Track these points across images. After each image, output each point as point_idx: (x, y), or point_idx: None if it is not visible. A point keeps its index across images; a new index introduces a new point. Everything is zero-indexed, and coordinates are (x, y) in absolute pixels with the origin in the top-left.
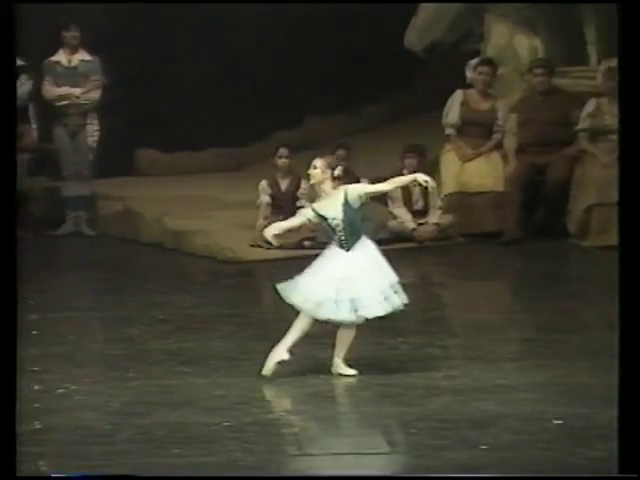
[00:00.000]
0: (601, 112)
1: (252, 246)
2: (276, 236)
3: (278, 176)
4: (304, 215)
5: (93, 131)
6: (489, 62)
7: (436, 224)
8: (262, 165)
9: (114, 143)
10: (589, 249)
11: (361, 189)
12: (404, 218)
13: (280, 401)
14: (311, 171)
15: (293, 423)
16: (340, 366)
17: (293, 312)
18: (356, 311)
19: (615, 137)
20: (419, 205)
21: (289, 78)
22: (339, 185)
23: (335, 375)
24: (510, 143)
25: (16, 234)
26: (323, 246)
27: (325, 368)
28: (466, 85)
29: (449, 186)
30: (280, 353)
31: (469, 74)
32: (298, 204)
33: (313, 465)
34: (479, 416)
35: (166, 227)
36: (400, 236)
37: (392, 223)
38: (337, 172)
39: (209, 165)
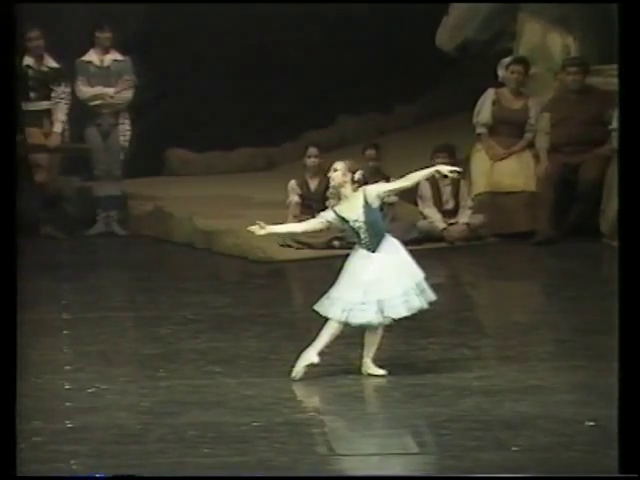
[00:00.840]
0: None
1: (282, 246)
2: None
3: (307, 176)
4: (323, 217)
5: (125, 131)
6: (522, 61)
7: (467, 224)
8: (293, 165)
9: (146, 143)
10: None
11: (379, 188)
12: (434, 218)
13: (310, 401)
14: (331, 174)
15: (323, 423)
16: (370, 366)
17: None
18: (382, 312)
19: None
20: (449, 205)
21: (322, 77)
22: (359, 188)
23: (365, 375)
24: (542, 142)
25: (16, 234)
26: (352, 246)
27: (355, 368)
28: (498, 84)
29: (480, 186)
30: (310, 356)
31: (501, 73)
32: (327, 204)
33: (344, 466)
34: (512, 417)
35: (197, 227)
36: (430, 236)
37: (422, 223)
38: (357, 176)
39: (240, 165)
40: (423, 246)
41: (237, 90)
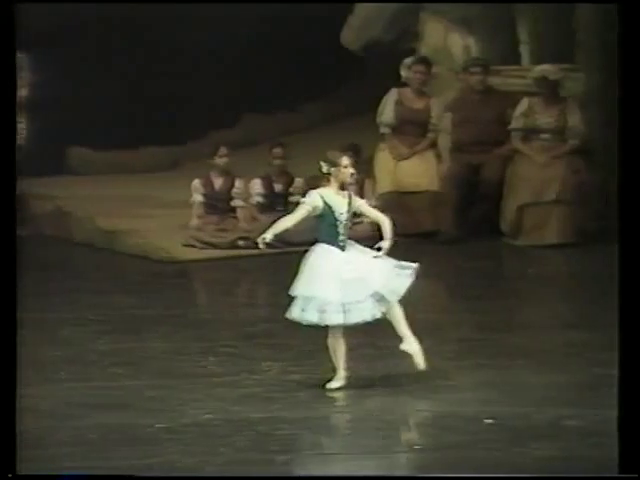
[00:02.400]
0: (533, 112)
1: (185, 246)
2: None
3: (213, 175)
4: (309, 204)
5: (20, 130)
6: (424, 61)
7: (371, 223)
8: (199, 164)
9: (45, 141)
10: (522, 248)
11: (360, 204)
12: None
13: (217, 402)
14: (346, 170)
15: (230, 424)
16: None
17: (228, 312)
18: (379, 304)
19: (547, 136)
20: None
21: (227, 76)
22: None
23: (268, 376)
24: (444, 142)
25: (16, 233)
26: (256, 246)
27: (259, 368)
28: (402, 84)
29: (384, 185)
30: (338, 380)
31: (404, 73)
32: (232, 204)
33: (250, 468)
34: (417, 416)
35: (99, 227)
36: None
37: None
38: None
39: (144, 164)
40: None
41: (141, 88)
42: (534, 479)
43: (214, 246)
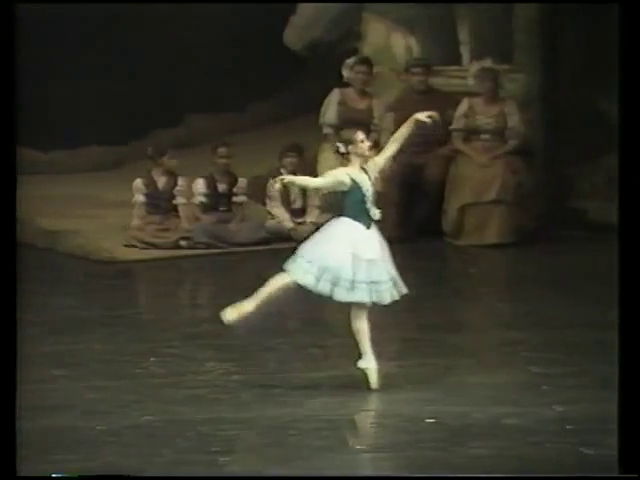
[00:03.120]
0: (474, 112)
1: (127, 246)
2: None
3: (155, 175)
4: (334, 177)
5: None
6: (366, 61)
7: (314, 223)
8: (141, 163)
9: None
10: (463, 247)
11: (382, 160)
12: (282, 218)
13: (159, 403)
14: (364, 144)
15: (172, 425)
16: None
17: (170, 313)
18: (371, 295)
19: (488, 137)
20: (297, 204)
21: (171, 76)
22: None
23: (218, 376)
24: (387, 142)
25: (16, 235)
26: (199, 246)
27: (205, 369)
28: (344, 84)
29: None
30: (248, 305)
31: (346, 73)
32: (175, 202)
33: (194, 468)
34: (359, 416)
35: (40, 227)
36: (279, 236)
37: (270, 223)
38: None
39: (86, 164)
40: (272, 246)
41: (83, 88)
42: (534, 479)
43: (156, 246)
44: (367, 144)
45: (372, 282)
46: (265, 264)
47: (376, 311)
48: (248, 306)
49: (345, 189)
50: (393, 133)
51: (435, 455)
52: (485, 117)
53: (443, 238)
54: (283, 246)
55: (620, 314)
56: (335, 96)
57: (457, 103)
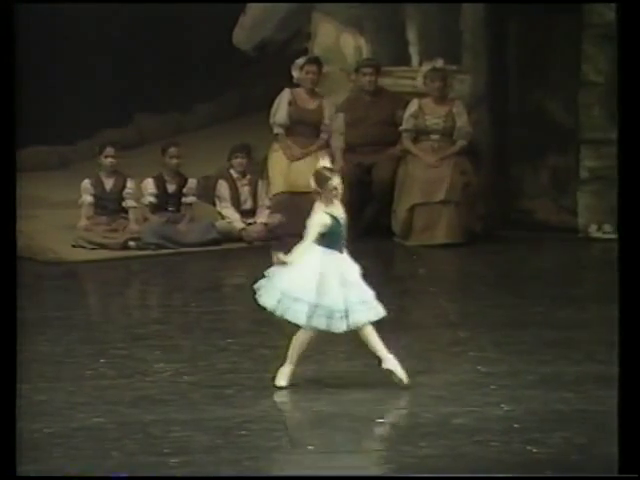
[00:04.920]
0: (423, 113)
1: (74, 247)
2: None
3: (103, 175)
4: (321, 226)
5: None
6: (315, 61)
7: (265, 224)
8: (89, 164)
9: None
10: (413, 248)
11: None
12: (232, 218)
13: (108, 405)
14: (335, 191)
15: (121, 427)
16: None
17: (119, 314)
18: (372, 310)
19: (436, 137)
20: (247, 205)
21: (118, 75)
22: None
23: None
24: (337, 143)
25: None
26: (150, 247)
27: (153, 370)
28: (295, 84)
29: (277, 186)
30: (284, 375)
31: (296, 73)
32: (124, 204)
33: (145, 470)
34: (309, 416)
35: None
36: (229, 236)
37: (220, 223)
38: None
39: (32, 164)
40: (222, 246)
41: (29, 86)
42: (535, 479)
43: (104, 247)
44: (337, 192)
45: (363, 302)
46: (215, 265)
47: None
48: (288, 369)
49: (325, 230)
50: (343, 134)
51: (385, 455)
52: (434, 118)
53: (392, 238)
54: (234, 246)
55: (620, 314)
56: (285, 96)
57: (406, 104)
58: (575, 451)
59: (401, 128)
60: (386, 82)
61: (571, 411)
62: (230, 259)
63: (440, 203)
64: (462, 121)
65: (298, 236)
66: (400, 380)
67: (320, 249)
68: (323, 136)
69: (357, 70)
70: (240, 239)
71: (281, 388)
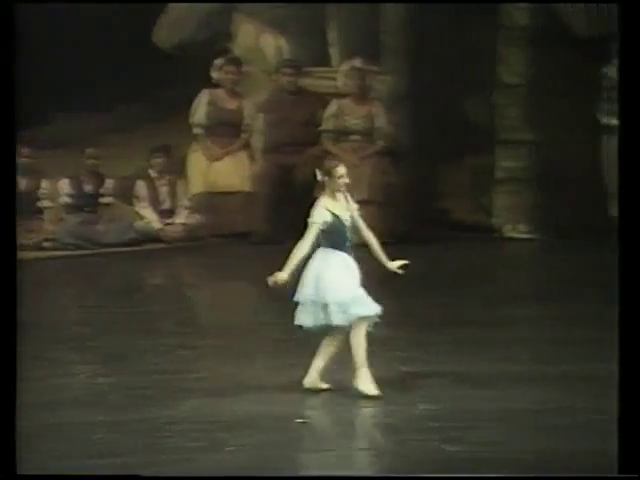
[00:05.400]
0: (343, 113)
1: None
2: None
3: (18, 175)
4: (320, 223)
5: None
6: (234, 61)
7: (184, 224)
8: None
9: None
10: None
11: (354, 210)
12: (150, 218)
13: (26, 407)
14: (342, 179)
15: (39, 429)
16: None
17: (35, 315)
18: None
19: (357, 137)
20: (166, 205)
21: (36, 75)
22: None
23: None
24: (257, 143)
25: (16, 235)
26: (65, 247)
27: (69, 372)
28: (214, 84)
29: (196, 186)
30: (315, 379)
31: (215, 74)
32: (39, 205)
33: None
34: (230, 417)
35: None
36: (147, 237)
37: (138, 224)
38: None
39: None
40: (141, 247)
41: None
42: (534, 479)
43: (19, 248)
44: (345, 180)
45: (363, 297)
46: (135, 265)
47: (245, 312)
48: (316, 371)
49: (326, 227)
50: (263, 134)
51: (304, 455)
52: (354, 118)
53: None
54: (153, 247)
55: (620, 313)
56: (204, 97)
57: (326, 104)
58: (490, 449)
59: (321, 128)
60: (307, 82)
61: (490, 410)
62: (150, 260)
63: (362, 203)
64: (381, 122)
65: (219, 236)
66: (364, 392)
67: (324, 251)
68: (244, 136)
69: (278, 70)
70: (159, 239)
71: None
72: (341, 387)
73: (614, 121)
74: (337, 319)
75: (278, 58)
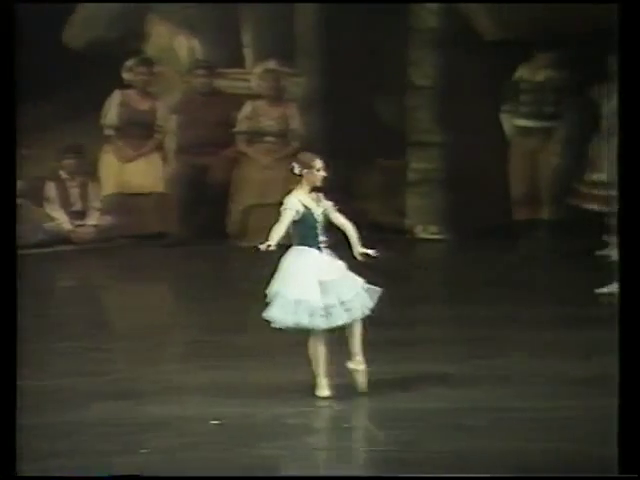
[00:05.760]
0: (257, 114)
1: None
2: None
3: None
4: (292, 209)
5: None
6: (146, 62)
7: (95, 226)
8: None
9: None
10: (248, 249)
11: (328, 207)
12: (61, 220)
13: None
14: (321, 172)
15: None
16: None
17: None
18: (348, 311)
19: (271, 139)
20: (77, 206)
21: None
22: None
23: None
24: (171, 144)
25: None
26: None
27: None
28: (126, 85)
29: (108, 187)
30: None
31: (126, 75)
32: None
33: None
34: (144, 419)
35: None
36: (58, 238)
37: (49, 225)
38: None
39: None
40: (52, 249)
41: None
42: (534, 479)
43: None
44: (322, 174)
45: (342, 303)
46: (45, 267)
47: (160, 313)
48: (322, 378)
49: (297, 218)
50: (177, 135)
51: (221, 456)
52: (268, 119)
53: (227, 240)
54: (64, 249)
55: (620, 313)
56: (116, 97)
57: (241, 105)
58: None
59: (235, 130)
60: (221, 84)
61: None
62: (60, 261)
63: (276, 204)
64: (295, 123)
65: (131, 237)
66: (360, 384)
67: (296, 249)
68: (156, 137)
69: (191, 72)
70: (70, 241)
71: (325, 398)
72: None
73: (525, 123)
74: (342, 319)
75: (191, 59)
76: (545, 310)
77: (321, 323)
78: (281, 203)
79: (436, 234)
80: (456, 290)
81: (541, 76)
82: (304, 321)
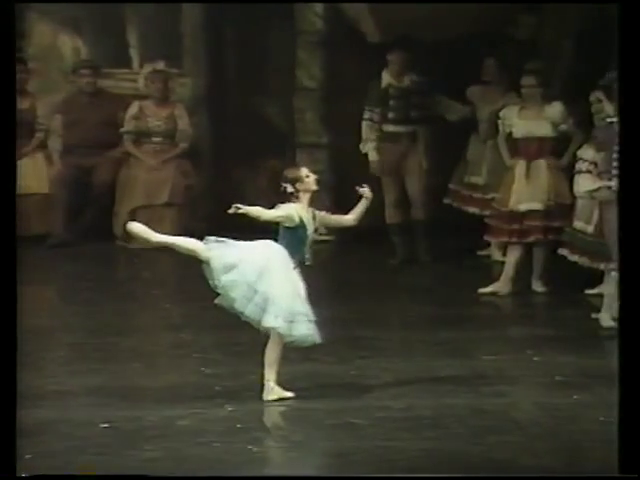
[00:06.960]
0: (144, 115)
1: None
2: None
3: None
4: (284, 213)
5: None
6: (20, 60)
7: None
8: None
9: None
10: (135, 250)
11: (322, 216)
12: None
13: None
14: (307, 179)
15: None
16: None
17: None
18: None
19: (159, 139)
20: None
21: None
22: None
23: None
24: (55, 144)
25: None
26: None
27: None
28: None
29: None
30: (275, 390)
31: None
32: None
33: None
34: (27, 424)
35: None
36: None
37: None
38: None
39: None
40: None
41: None
42: (531, 479)
43: None
44: (312, 178)
45: (306, 315)
46: None
47: (44, 316)
48: (271, 379)
49: (291, 225)
50: (61, 135)
51: (108, 459)
52: (155, 120)
53: (114, 241)
54: None
55: (620, 313)
56: None
57: (127, 105)
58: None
59: (122, 130)
60: (107, 84)
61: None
62: None
63: (163, 205)
64: (183, 123)
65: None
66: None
67: (283, 251)
68: (38, 135)
69: (75, 71)
70: None
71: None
72: (141, 391)
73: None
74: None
75: (75, 59)
76: (428, 310)
77: (301, 330)
78: (167, 204)
79: (324, 235)
80: (336, 290)
81: (407, 80)
82: (255, 315)
